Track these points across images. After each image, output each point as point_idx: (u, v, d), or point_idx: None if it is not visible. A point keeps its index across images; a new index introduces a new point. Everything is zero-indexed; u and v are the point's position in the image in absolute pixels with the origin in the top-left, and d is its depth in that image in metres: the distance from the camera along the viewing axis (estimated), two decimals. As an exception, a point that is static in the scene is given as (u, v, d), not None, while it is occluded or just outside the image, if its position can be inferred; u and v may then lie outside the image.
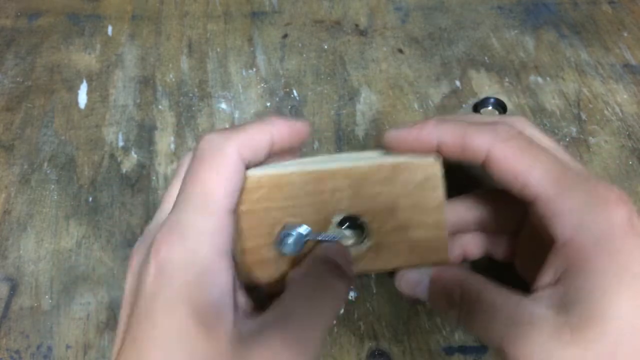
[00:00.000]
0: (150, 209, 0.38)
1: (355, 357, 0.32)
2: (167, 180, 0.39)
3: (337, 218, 0.28)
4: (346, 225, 0.29)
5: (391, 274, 0.29)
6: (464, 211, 0.30)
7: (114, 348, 0.24)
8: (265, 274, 0.27)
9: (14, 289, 0.34)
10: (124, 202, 0.38)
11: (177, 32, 0.49)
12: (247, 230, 0.27)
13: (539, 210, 0.25)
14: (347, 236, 0.29)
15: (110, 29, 0.49)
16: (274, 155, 0.28)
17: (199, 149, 0.25)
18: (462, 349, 0.32)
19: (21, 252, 0.35)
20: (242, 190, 0.26)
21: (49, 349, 0.32)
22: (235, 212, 0.26)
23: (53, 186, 0.38)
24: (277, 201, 0.27)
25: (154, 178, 0.39)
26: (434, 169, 0.27)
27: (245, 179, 0.26)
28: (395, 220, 0.28)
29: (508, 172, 0.25)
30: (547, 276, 0.25)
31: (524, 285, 0.26)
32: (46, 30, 0.49)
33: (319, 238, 0.27)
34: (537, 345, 0.23)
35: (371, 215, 0.28)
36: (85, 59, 0.46)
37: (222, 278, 0.24)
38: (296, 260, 0.27)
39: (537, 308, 0.24)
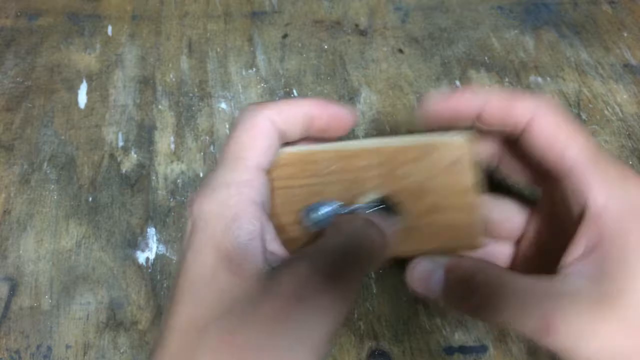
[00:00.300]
0: (150, 209, 0.38)
1: (355, 357, 0.32)
2: (167, 180, 0.39)
3: (367, 198, 0.27)
4: (375, 208, 0.28)
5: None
6: (490, 150, 0.30)
7: None
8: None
9: (13, 289, 0.34)
10: (124, 202, 0.38)
11: (177, 32, 0.49)
12: (278, 207, 0.27)
13: (573, 179, 0.25)
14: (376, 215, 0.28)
15: (110, 29, 0.49)
16: (317, 137, 0.28)
17: (237, 118, 0.27)
18: (462, 349, 0.32)
19: (21, 252, 0.35)
20: (274, 164, 0.27)
21: (49, 349, 0.32)
22: (266, 172, 0.26)
23: (53, 186, 0.38)
24: (307, 178, 0.27)
25: (153, 178, 0.39)
26: (464, 149, 0.27)
27: (278, 155, 0.27)
28: (426, 202, 0.27)
29: (548, 140, 0.25)
30: (577, 249, 0.24)
31: None
32: (46, 30, 0.49)
33: (346, 212, 0.27)
34: (577, 319, 0.22)
35: (401, 195, 0.27)
36: (85, 59, 0.46)
37: (250, 224, 0.24)
38: None
39: (571, 283, 0.23)
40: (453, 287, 0.26)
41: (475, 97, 0.26)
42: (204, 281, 0.23)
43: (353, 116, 0.28)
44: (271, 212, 0.27)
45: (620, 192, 0.24)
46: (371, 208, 0.28)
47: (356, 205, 0.27)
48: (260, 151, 0.26)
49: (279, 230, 0.27)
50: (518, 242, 0.30)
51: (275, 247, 0.25)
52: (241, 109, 0.28)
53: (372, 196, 0.28)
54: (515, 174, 0.29)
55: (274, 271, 0.23)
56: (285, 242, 0.26)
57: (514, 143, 0.28)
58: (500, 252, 0.30)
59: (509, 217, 0.30)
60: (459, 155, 0.27)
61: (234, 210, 0.24)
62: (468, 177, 0.27)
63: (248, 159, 0.26)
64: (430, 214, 0.27)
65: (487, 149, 0.29)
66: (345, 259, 0.23)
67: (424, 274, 0.26)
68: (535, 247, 0.29)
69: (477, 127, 0.28)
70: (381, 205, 0.28)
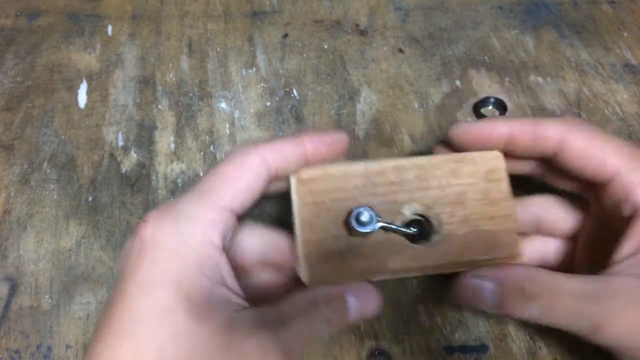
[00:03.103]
0: (150, 209, 0.37)
1: (355, 356, 0.31)
2: (167, 180, 0.39)
3: (406, 210, 0.28)
4: (414, 230, 0.28)
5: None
6: (521, 211, 0.30)
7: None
8: (331, 269, 0.26)
9: (13, 289, 0.34)
10: (124, 201, 0.38)
11: (177, 31, 0.49)
12: (313, 222, 0.27)
13: (618, 184, 0.26)
14: (414, 231, 0.28)
15: (110, 28, 0.49)
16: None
17: (227, 154, 0.26)
18: (463, 349, 0.32)
19: (21, 252, 0.35)
20: (301, 180, 0.27)
21: (49, 348, 0.32)
22: (237, 215, 0.25)
23: (53, 186, 0.38)
24: (344, 192, 0.27)
25: (153, 178, 0.39)
26: (498, 160, 0.28)
27: (309, 172, 0.27)
28: (463, 212, 0.27)
29: (584, 154, 0.26)
30: (628, 247, 0.25)
31: None
32: (46, 30, 0.49)
33: (389, 225, 0.27)
34: (626, 318, 0.23)
35: (438, 206, 0.27)
36: (85, 58, 0.46)
37: (215, 269, 0.23)
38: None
39: (621, 281, 0.24)
40: (509, 297, 0.25)
41: (504, 124, 0.27)
42: (157, 319, 0.21)
43: (345, 139, 0.28)
44: (301, 230, 0.27)
45: None
46: (407, 226, 0.28)
47: (394, 225, 0.27)
48: (238, 191, 0.25)
49: (318, 245, 0.27)
50: (575, 240, 0.30)
51: (236, 291, 0.25)
52: (185, 149, 0.26)
53: (408, 211, 0.28)
54: (561, 184, 0.30)
55: (239, 332, 0.22)
56: (327, 256, 0.26)
57: (549, 162, 0.28)
58: (557, 249, 0.31)
59: (563, 216, 0.30)
60: (495, 164, 0.28)
61: (198, 251, 0.23)
62: (504, 186, 0.28)
63: (220, 196, 0.25)
64: (469, 224, 0.27)
65: (525, 167, 0.30)
66: (303, 346, 0.24)
67: (475, 290, 0.26)
68: (591, 246, 0.29)
69: (508, 153, 0.28)
70: (418, 219, 0.28)
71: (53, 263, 0.35)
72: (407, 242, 0.27)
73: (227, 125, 0.42)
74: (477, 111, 0.42)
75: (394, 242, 0.27)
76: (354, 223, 0.26)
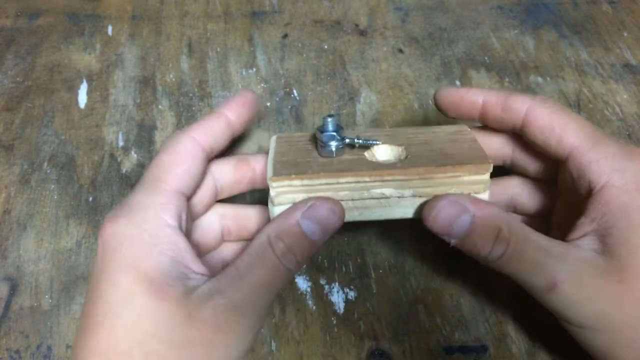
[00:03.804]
0: (150, 209, 0.38)
1: (355, 357, 0.32)
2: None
3: (377, 151, 0.29)
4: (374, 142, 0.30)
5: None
6: (498, 192, 0.32)
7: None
8: (296, 170, 0.27)
9: (14, 289, 0.34)
10: (124, 202, 0.38)
11: (177, 32, 0.49)
12: (285, 152, 0.29)
13: (575, 162, 0.27)
14: (379, 143, 0.29)
15: (110, 28, 0.49)
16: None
17: (162, 144, 0.28)
18: (462, 349, 0.32)
19: (21, 252, 0.35)
20: (283, 137, 0.30)
21: (49, 348, 0.32)
22: (187, 195, 0.27)
23: (53, 186, 0.38)
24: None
25: (154, 178, 0.39)
26: (464, 126, 0.31)
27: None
28: (430, 147, 0.29)
29: (546, 128, 0.27)
30: (585, 224, 0.26)
31: None
32: (46, 30, 0.49)
33: (359, 140, 0.28)
34: (588, 284, 0.24)
35: (406, 146, 0.29)
36: (85, 58, 0.46)
37: (170, 249, 0.25)
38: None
39: (583, 252, 0.25)
40: (480, 233, 0.26)
41: (479, 92, 0.30)
42: (121, 303, 0.23)
43: (253, 94, 0.31)
44: (276, 154, 0.29)
45: (622, 166, 0.25)
46: (376, 139, 0.29)
47: (371, 140, 0.28)
48: (181, 175, 0.27)
49: (287, 161, 0.28)
50: (550, 218, 0.32)
51: (195, 266, 0.25)
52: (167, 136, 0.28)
53: (380, 149, 0.29)
54: (531, 168, 0.31)
55: (196, 298, 0.24)
56: (295, 165, 0.27)
57: (520, 140, 0.30)
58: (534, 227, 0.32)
59: (535, 196, 0.32)
60: (463, 129, 0.30)
61: (151, 233, 0.24)
62: (470, 136, 0.30)
63: (166, 182, 0.26)
64: (437, 152, 0.28)
65: (499, 146, 0.32)
66: (259, 294, 0.25)
67: (449, 216, 0.26)
68: (560, 223, 0.30)
69: (482, 123, 0.31)
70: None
71: (53, 263, 0.35)
72: (373, 160, 0.29)
73: (227, 126, 0.42)
74: (477, 111, 0.42)
75: (360, 160, 0.28)
76: (321, 130, 0.28)
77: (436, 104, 0.31)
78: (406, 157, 0.28)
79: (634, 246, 0.24)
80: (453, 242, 0.26)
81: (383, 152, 0.29)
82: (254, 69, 0.46)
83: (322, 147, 0.28)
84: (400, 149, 0.29)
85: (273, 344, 0.32)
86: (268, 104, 0.43)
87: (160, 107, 0.43)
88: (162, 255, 0.24)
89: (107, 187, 0.38)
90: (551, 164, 0.30)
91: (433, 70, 0.46)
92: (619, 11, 0.50)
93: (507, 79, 0.45)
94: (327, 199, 0.27)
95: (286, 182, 0.27)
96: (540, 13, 0.50)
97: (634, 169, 0.25)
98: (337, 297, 0.34)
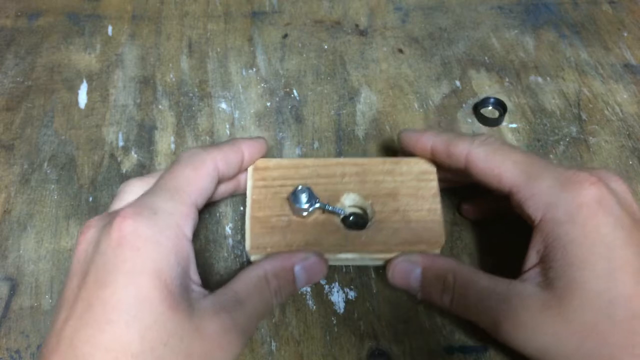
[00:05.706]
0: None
1: (355, 357, 0.32)
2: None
3: (345, 200, 0.32)
4: (351, 219, 0.33)
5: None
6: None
7: (56, 317, 0.24)
8: (272, 240, 0.30)
9: (14, 289, 0.34)
10: (124, 202, 0.38)
11: (177, 32, 0.49)
12: (262, 202, 0.31)
13: (514, 198, 0.28)
14: (347, 214, 0.32)
15: (110, 28, 0.49)
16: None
17: (180, 156, 0.29)
18: (462, 349, 0.32)
19: (21, 251, 0.35)
20: (256, 168, 0.32)
21: (49, 348, 0.32)
22: (197, 209, 0.29)
23: (53, 186, 0.38)
24: (292, 180, 0.32)
25: (154, 178, 0.39)
26: (429, 164, 0.33)
27: (264, 161, 0.32)
28: (395, 204, 0.31)
29: (485, 170, 0.29)
30: (531, 257, 0.27)
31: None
32: (46, 30, 0.49)
33: (328, 207, 0.31)
34: (528, 319, 0.25)
35: (374, 198, 0.31)
36: (85, 58, 0.46)
37: (186, 259, 0.26)
38: (295, 229, 0.31)
39: (526, 287, 0.26)
40: (430, 284, 0.29)
41: (429, 138, 0.31)
42: (139, 307, 0.23)
43: (266, 142, 0.33)
44: (251, 208, 0.31)
45: (556, 200, 0.26)
46: (347, 212, 0.32)
47: (337, 208, 0.31)
48: (200, 190, 0.28)
49: (259, 220, 0.31)
50: None
51: (195, 277, 0.27)
52: (185, 149, 0.29)
53: (346, 200, 0.32)
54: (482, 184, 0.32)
55: (203, 313, 0.25)
56: (263, 231, 0.30)
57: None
58: None
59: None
60: (425, 168, 0.32)
61: (174, 242, 0.25)
62: (433, 186, 0.32)
63: (189, 194, 0.27)
64: (400, 214, 0.31)
65: (457, 178, 0.33)
66: (253, 320, 0.27)
67: (403, 272, 0.29)
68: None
69: (434, 161, 0.32)
70: (355, 212, 0.33)
71: (53, 263, 0.35)
72: (342, 226, 0.31)
73: (227, 126, 0.42)
74: (477, 111, 0.42)
75: (331, 225, 0.31)
76: (293, 199, 0.30)
77: (400, 145, 0.33)
78: (371, 219, 0.31)
79: (570, 279, 0.25)
80: (418, 295, 0.30)
81: (352, 198, 0.32)
82: (254, 69, 0.46)
83: (295, 211, 0.31)
84: (367, 203, 0.31)
85: (273, 343, 0.32)
86: (268, 104, 0.43)
87: (160, 107, 0.43)
88: (178, 265, 0.25)
89: (107, 187, 0.38)
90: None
91: (433, 70, 0.46)
92: (619, 11, 0.50)
93: (507, 79, 0.45)
94: (321, 257, 0.29)
95: (263, 254, 0.30)
96: (540, 13, 0.50)
97: (567, 199, 0.26)
98: (337, 297, 0.34)
